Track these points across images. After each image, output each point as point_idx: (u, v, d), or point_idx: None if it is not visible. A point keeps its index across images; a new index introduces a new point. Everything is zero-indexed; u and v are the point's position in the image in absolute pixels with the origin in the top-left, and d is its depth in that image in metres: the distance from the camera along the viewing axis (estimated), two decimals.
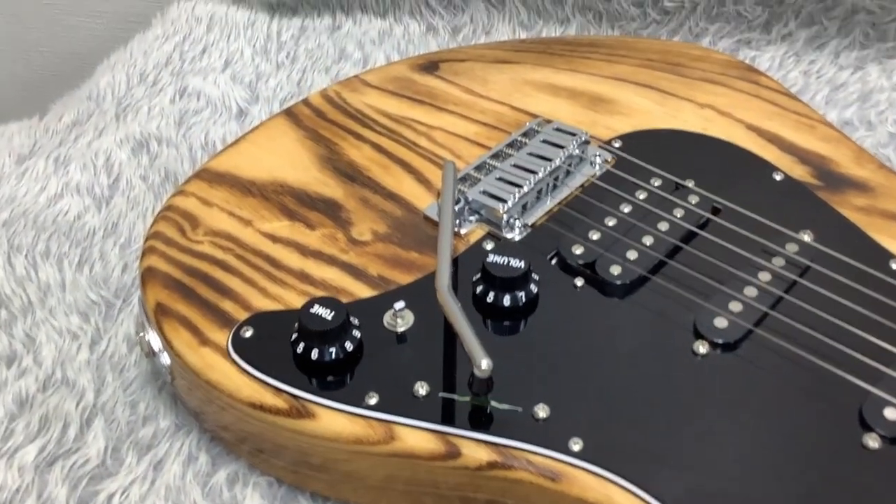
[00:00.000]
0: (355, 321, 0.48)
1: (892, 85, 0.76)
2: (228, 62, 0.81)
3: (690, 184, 0.57)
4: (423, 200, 0.57)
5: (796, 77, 0.78)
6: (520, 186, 0.55)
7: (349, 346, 0.47)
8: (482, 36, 0.84)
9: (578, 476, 0.43)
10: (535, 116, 0.64)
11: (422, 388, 0.46)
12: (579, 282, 0.51)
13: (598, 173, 0.58)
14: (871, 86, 0.77)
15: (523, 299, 0.49)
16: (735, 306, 0.49)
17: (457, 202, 0.55)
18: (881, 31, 0.78)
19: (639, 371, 0.47)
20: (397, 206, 0.57)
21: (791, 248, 0.52)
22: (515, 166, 0.57)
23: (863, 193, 0.57)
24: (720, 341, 0.47)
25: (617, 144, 0.61)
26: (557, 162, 0.57)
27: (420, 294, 0.50)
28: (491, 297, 0.49)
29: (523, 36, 0.85)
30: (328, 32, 0.85)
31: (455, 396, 0.45)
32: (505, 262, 0.49)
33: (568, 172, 0.58)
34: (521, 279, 0.49)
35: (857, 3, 0.78)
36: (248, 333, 0.49)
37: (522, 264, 0.49)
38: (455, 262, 0.52)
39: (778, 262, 0.51)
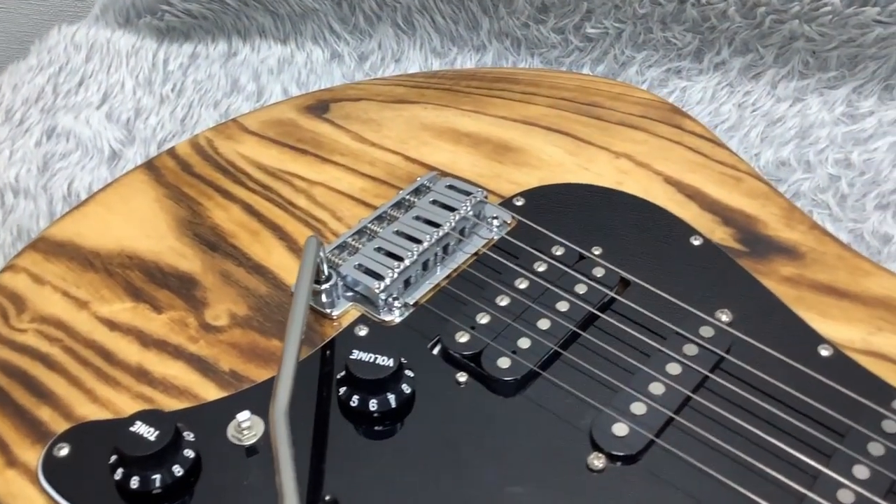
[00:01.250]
0: (190, 436, 0.41)
1: (833, 119, 0.70)
2: (106, 96, 0.72)
3: (597, 252, 0.50)
4: (294, 274, 0.49)
5: (730, 110, 0.72)
6: (401, 259, 0.48)
7: (178, 470, 0.39)
8: (391, 64, 0.77)
9: None
10: (431, 169, 0.57)
11: None
12: (462, 377, 0.44)
13: (496, 238, 0.52)
14: (811, 120, 0.70)
15: (393, 403, 0.42)
16: (638, 408, 0.42)
17: (328, 279, 0.48)
18: (822, 59, 0.72)
19: (523, 491, 0.40)
20: (263, 281, 0.49)
21: (705, 332, 0.45)
22: (398, 233, 0.50)
23: (792, 261, 0.50)
24: (619, 453, 0.41)
25: (519, 203, 0.54)
26: (447, 228, 0.50)
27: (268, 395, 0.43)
28: (356, 400, 0.42)
29: (436, 65, 0.77)
30: (221, 61, 0.77)
31: None
32: (371, 360, 0.42)
33: (461, 238, 0.51)
34: (390, 380, 0.42)
35: (795, 30, 0.71)
36: (64, 452, 0.41)
37: (391, 363, 0.42)
38: (323, 349, 0.46)
39: (690, 350, 0.44)
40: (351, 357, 0.42)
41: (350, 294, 0.48)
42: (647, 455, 0.41)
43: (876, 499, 0.38)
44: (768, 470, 0.40)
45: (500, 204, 0.53)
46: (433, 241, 0.49)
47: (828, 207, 0.63)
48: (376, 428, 0.43)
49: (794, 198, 0.64)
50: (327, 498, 0.39)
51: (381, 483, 0.40)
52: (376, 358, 0.42)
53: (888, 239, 0.60)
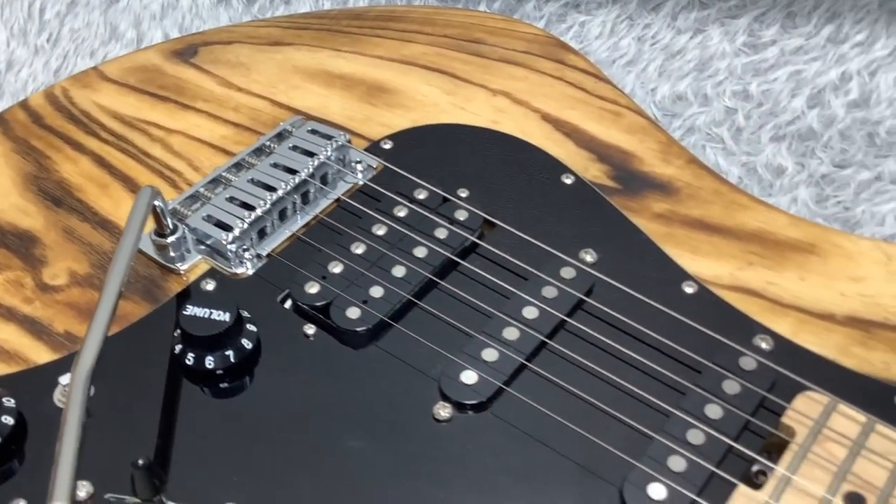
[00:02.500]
0: (10, 402, 0.38)
1: (734, 50, 0.68)
2: None
3: (463, 194, 0.48)
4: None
5: (629, 44, 0.69)
6: (252, 209, 0.46)
7: None
8: (280, 6, 0.73)
9: None
10: (298, 113, 0.54)
11: (82, 490, 0.37)
12: (310, 329, 0.42)
13: (360, 184, 0.49)
14: (711, 51, 0.68)
15: (233, 359, 0.40)
16: (489, 355, 0.40)
17: (173, 231, 0.45)
18: None
19: (364, 448, 0.38)
20: (108, 236, 0.46)
21: (566, 273, 0.43)
22: (253, 182, 0.47)
23: (665, 197, 0.48)
24: (466, 402, 0.39)
25: (386, 146, 0.51)
26: (304, 174, 0.48)
27: (110, 356, 0.40)
28: (191, 358, 0.40)
29: (327, 4, 0.74)
30: (102, 8, 0.73)
31: (126, 498, 0.36)
32: (206, 315, 0.40)
33: (323, 186, 0.49)
34: (228, 335, 0.40)
35: None
36: None
37: (227, 317, 0.40)
38: (166, 306, 0.43)
39: (549, 293, 0.43)
40: (184, 313, 0.40)
41: (202, 247, 0.46)
42: (498, 402, 0.39)
43: (725, 439, 0.37)
44: (618, 414, 0.38)
45: (367, 148, 0.51)
46: (289, 188, 0.47)
47: (721, 141, 0.61)
48: (221, 385, 0.40)
49: (688, 132, 0.62)
50: (171, 459, 0.38)
51: (225, 442, 0.38)
52: (211, 313, 0.40)
53: (781, 171, 0.59)
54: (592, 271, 0.44)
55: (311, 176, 0.48)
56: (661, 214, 0.47)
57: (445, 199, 0.47)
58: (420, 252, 0.45)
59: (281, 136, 0.51)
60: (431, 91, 0.55)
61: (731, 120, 0.63)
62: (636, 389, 0.39)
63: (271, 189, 0.47)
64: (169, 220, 0.44)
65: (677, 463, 0.36)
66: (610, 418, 0.38)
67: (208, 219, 0.46)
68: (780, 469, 0.35)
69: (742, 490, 0.35)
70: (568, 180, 0.49)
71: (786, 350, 0.41)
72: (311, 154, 0.49)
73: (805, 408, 0.37)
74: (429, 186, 0.48)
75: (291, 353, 0.41)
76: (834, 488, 0.35)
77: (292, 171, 0.48)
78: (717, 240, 0.46)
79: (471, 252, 0.45)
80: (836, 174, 0.58)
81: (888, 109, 0.62)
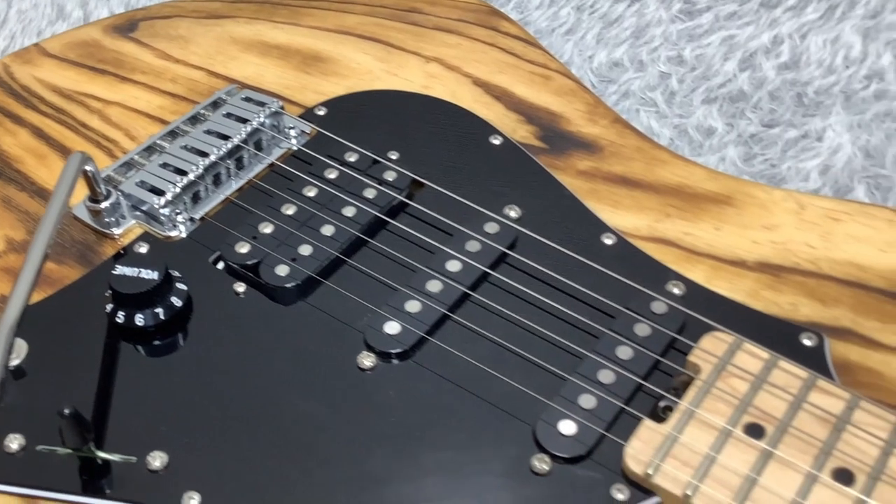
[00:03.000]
0: None
1: (670, 17, 0.70)
2: None
3: (393, 157, 0.49)
4: (77, 196, 0.47)
5: (568, 14, 0.71)
6: (185, 174, 0.47)
7: None
8: None
9: None
10: (233, 82, 0.55)
11: (14, 442, 0.38)
12: (241, 287, 0.43)
13: (293, 149, 0.50)
14: (648, 19, 0.70)
15: (163, 316, 0.41)
16: (412, 307, 0.41)
17: (106, 196, 0.46)
18: None
19: (291, 398, 0.39)
20: (45, 204, 0.47)
21: (490, 228, 0.45)
22: (186, 148, 0.49)
23: (590, 155, 0.50)
24: (389, 351, 0.40)
25: (320, 112, 0.52)
26: (236, 140, 0.49)
27: (41, 317, 0.42)
28: (121, 316, 0.41)
29: None
30: None
31: (56, 449, 0.38)
32: (135, 274, 0.41)
33: (258, 152, 0.50)
34: (157, 293, 0.41)
35: None
36: None
37: (156, 275, 0.41)
38: (100, 268, 0.44)
39: (472, 247, 0.44)
40: (114, 273, 0.41)
41: (137, 213, 0.47)
42: (421, 351, 0.41)
43: (634, 378, 0.39)
44: (534, 358, 0.40)
45: (301, 115, 0.52)
46: (221, 154, 0.48)
47: (655, 105, 0.63)
48: (153, 342, 0.42)
49: (623, 97, 0.64)
50: (102, 413, 0.39)
51: (156, 395, 0.40)
52: (140, 272, 0.41)
53: (711, 132, 0.60)
54: (515, 226, 0.45)
55: (245, 142, 0.49)
56: (584, 171, 0.49)
57: (375, 162, 0.48)
58: (349, 211, 0.46)
59: (216, 105, 0.52)
60: (366, 59, 0.56)
61: (664, 84, 0.64)
62: (552, 335, 0.41)
63: (204, 154, 0.48)
64: (102, 187, 0.45)
65: (588, 401, 0.38)
66: (527, 363, 0.40)
67: (142, 184, 0.47)
68: (684, 403, 0.37)
69: (647, 424, 0.37)
70: (496, 141, 0.50)
71: (697, 295, 0.42)
72: (244, 121, 0.50)
73: (711, 347, 0.39)
74: (359, 149, 0.49)
75: (222, 311, 0.43)
76: (734, 420, 0.36)
77: (225, 137, 0.49)
78: (637, 194, 0.48)
79: (400, 211, 0.47)
80: (764, 133, 0.60)
81: (817, 70, 0.63)
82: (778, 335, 0.40)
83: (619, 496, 0.36)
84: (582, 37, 0.68)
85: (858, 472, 0.35)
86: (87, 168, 0.44)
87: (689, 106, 0.62)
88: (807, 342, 0.40)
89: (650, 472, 0.35)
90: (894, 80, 0.62)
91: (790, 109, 0.61)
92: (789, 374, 0.38)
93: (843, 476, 0.35)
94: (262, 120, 0.50)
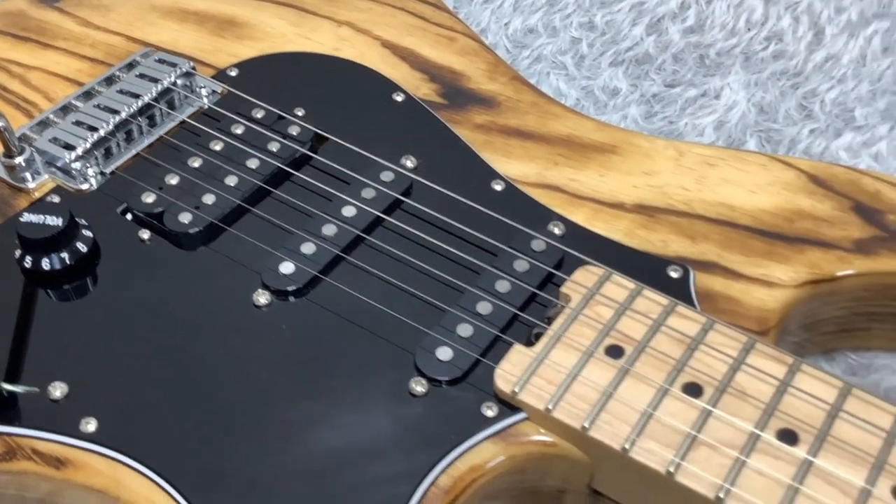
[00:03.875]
0: None
1: None
2: None
3: (300, 113, 0.51)
4: None
5: None
6: (95, 130, 0.49)
7: None
8: None
9: (88, 461, 0.38)
10: (149, 46, 0.57)
11: None
12: (145, 234, 0.46)
13: (206, 107, 0.53)
14: None
15: (67, 261, 0.44)
16: (307, 248, 0.44)
17: (20, 152, 0.48)
18: None
19: (189, 334, 0.42)
20: None
21: (386, 177, 0.47)
22: (99, 107, 0.51)
23: (487, 110, 0.52)
24: (284, 289, 0.43)
25: (233, 73, 0.54)
26: (147, 98, 0.51)
27: None
28: (29, 261, 0.43)
29: None
30: None
31: None
32: (41, 221, 0.43)
33: (171, 111, 0.52)
34: (62, 238, 0.43)
35: None
36: None
37: (60, 221, 0.43)
38: (11, 220, 0.46)
39: (368, 194, 0.47)
40: (21, 220, 0.43)
41: (52, 168, 0.49)
42: (315, 290, 0.43)
43: (510, 308, 0.41)
44: (420, 293, 0.42)
45: (214, 76, 0.54)
46: (132, 111, 0.50)
47: (565, 68, 0.65)
48: (63, 287, 0.44)
49: (535, 61, 0.66)
50: (10, 349, 0.41)
51: (66, 337, 0.42)
52: (46, 219, 0.43)
53: (616, 92, 0.63)
54: (410, 174, 0.48)
55: (156, 100, 0.51)
56: (481, 125, 0.51)
57: (281, 118, 0.51)
58: (252, 163, 0.48)
59: (131, 66, 0.54)
60: (280, 24, 0.58)
61: (575, 49, 0.67)
62: (437, 272, 0.43)
63: (115, 112, 0.50)
64: (16, 143, 0.48)
65: (465, 330, 0.41)
66: (412, 298, 0.43)
67: (55, 141, 0.49)
68: (552, 329, 0.40)
69: (517, 348, 0.39)
70: (399, 98, 0.53)
71: (576, 234, 0.45)
72: (155, 80, 0.52)
73: (582, 279, 0.42)
74: (266, 106, 0.51)
75: (127, 257, 0.45)
76: (597, 342, 0.39)
77: (136, 96, 0.51)
78: (529, 145, 0.50)
79: (304, 164, 0.49)
80: (666, 93, 0.62)
81: (720, 33, 0.66)
82: (647, 268, 0.43)
83: (489, 413, 0.38)
84: (499, 5, 0.70)
85: (707, 386, 0.38)
86: (0, 125, 0.46)
87: (597, 69, 0.65)
88: (673, 274, 0.43)
89: (516, 390, 0.38)
90: (792, 41, 0.65)
91: (692, 70, 0.64)
92: (651, 301, 0.41)
93: (693, 389, 0.38)
94: (172, 80, 0.52)
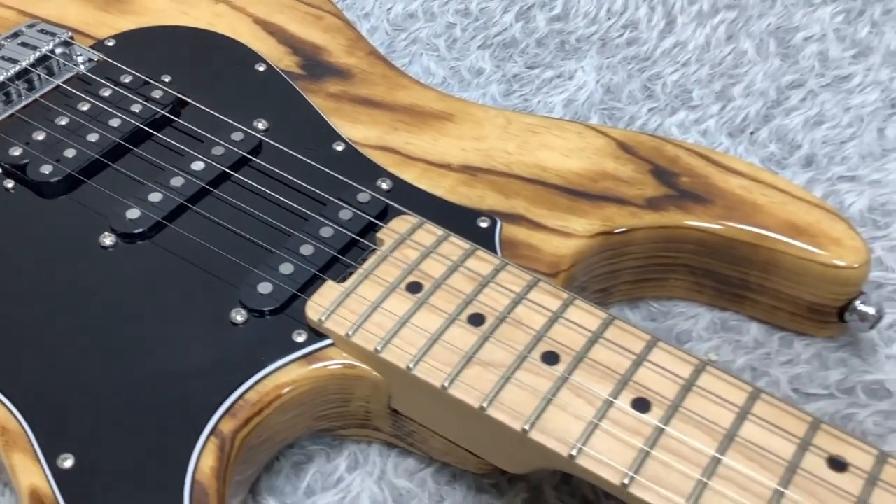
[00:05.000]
0: None
1: None
2: None
3: (166, 80, 0.56)
4: None
5: None
6: None
7: None
8: None
9: None
10: (36, 18, 0.61)
11: None
12: (10, 183, 0.50)
13: (81, 73, 0.57)
14: None
15: None
16: (154, 197, 0.49)
17: None
18: None
19: (43, 271, 0.46)
20: None
21: (236, 137, 0.52)
22: None
23: (341, 80, 0.57)
24: (129, 232, 0.47)
25: (110, 44, 0.59)
26: (24, 63, 0.55)
27: None
28: None
29: None
30: None
31: None
32: None
33: (49, 76, 0.56)
34: None
35: None
36: None
37: None
38: None
39: (217, 151, 0.51)
40: None
41: None
42: (160, 235, 0.48)
43: (329, 250, 0.46)
44: (253, 238, 0.47)
45: (92, 45, 0.59)
46: (10, 75, 0.55)
47: (437, 50, 0.70)
48: None
49: (411, 43, 0.71)
50: None
51: None
52: None
53: (480, 72, 0.68)
54: (258, 135, 0.52)
55: (34, 66, 0.56)
56: (334, 94, 0.56)
57: (146, 83, 0.55)
58: (114, 122, 0.53)
59: (15, 35, 0.58)
60: (161, 0, 0.63)
61: (449, 33, 0.72)
62: (271, 220, 0.48)
63: None
64: None
65: (287, 268, 0.45)
66: (246, 241, 0.47)
67: None
68: (362, 267, 0.45)
69: (329, 283, 0.44)
70: (260, 68, 0.57)
71: (402, 189, 0.50)
72: (35, 48, 0.56)
73: (397, 226, 0.47)
74: (133, 72, 0.56)
75: None
76: (400, 279, 0.44)
77: (15, 62, 0.55)
78: (375, 112, 0.55)
79: (166, 125, 0.54)
80: (525, 74, 0.68)
81: (583, 21, 0.71)
82: (461, 220, 0.48)
83: (299, 339, 0.43)
84: None
85: (489, 316, 0.42)
86: None
87: (466, 51, 0.70)
88: (482, 224, 0.48)
89: (322, 318, 0.43)
90: (646, 29, 0.70)
91: (552, 54, 0.69)
92: (455, 245, 0.46)
93: (476, 319, 0.42)
94: (51, 48, 0.56)
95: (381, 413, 0.45)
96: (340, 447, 0.47)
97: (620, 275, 0.51)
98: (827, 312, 0.49)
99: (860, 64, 0.67)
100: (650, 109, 0.64)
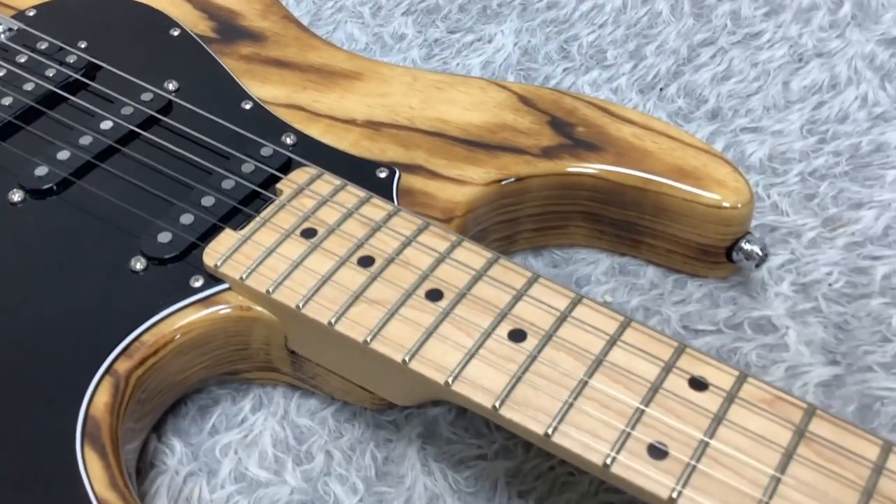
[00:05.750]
0: None
1: None
2: None
3: (82, 45, 0.57)
4: None
5: None
6: None
7: None
8: None
9: None
10: None
11: None
12: None
13: (1, 42, 0.58)
14: None
15: None
16: (62, 155, 0.50)
17: None
18: None
19: None
20: None
21: (145, 97, 0.53)
22: None
23: (254, 43, 0.59)
24: (35, 188, 0.49)
25: (30, 14, 0.60)
26: None
27: None
28: None
29: None
30: None
31: None
32: None
33: None
34: None
35: None
36: None
37: None
38: None
39: (126, 111, 0.53)
40: None
41: None
42: (68, 191, 0.49)
43: (229, 201, 0.48)
44: (158, 192, 0.48)
45: (13, 16, 0.60)
46: None
47: (361, 17, 0.72)
48: None
49: (337, 11, 0.73)
50: None
51: None
52: None
53: (403, 38, 0.70)
54: (168, 95, 0.54)
55: None
56: (246, 56, 0.58)
57: (61, 49, 0.57)
58: (28, 87, 0.54)
59: None
60: None
61: (374, 1, 0.73)
62: (175, 174, 0.49)
63: None
64: None
65: (187, 219, 0.47)
66: (151, 195, 0.49)
67: None
68: (261, 215, 0.46)
69: (226, 231, 0.46)
70: (175, 33, 0.59)
71: (305, 144, 0.52)
72: None
73: (297, 177, 0.48)
74: (50, 38, 0.57)
75: None
76: (295, 226, 0.45)
77: None
78: (285, 72, 0.57)
79: (81, 89, 0.55)
80: (446, 38, 0.69)
81: None
82: (361, 171, 0.50)
83: (196, 284, 0.45)
84: None
85: (378, 258, 0.44)
86: None
87: (390, 18, 0.71)
88: (381, 174, 0.50)
89: (218, 264, 0.44)
90: None
91: (474, 19, 0.71)
92: (351, 194, 0.47)
93: (366, 261, 0.44)
94: None
95: (281, 355, 0.47)
96: (246, 391, 0.48)
97: (521, 222, 0.53)
98: (716, 253, 0.51)
99: (771, 21, 0.69)
100: (565, 70, 0.66)
